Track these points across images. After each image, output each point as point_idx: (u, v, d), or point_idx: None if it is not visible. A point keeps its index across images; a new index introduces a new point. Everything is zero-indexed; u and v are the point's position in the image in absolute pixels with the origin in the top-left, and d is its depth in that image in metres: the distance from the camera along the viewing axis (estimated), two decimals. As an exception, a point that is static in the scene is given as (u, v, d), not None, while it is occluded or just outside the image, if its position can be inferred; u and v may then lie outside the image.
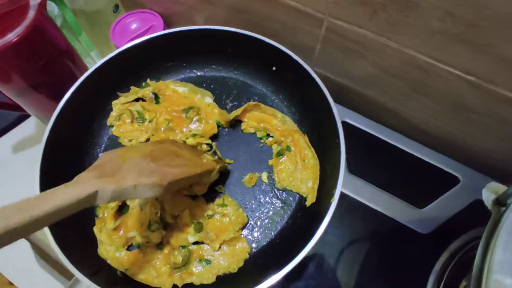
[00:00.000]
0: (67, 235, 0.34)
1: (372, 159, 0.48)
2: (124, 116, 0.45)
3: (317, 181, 0.39)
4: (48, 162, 0.37)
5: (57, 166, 0.39)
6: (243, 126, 0.45)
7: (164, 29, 0.58)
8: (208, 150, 0.43)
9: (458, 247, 0.44)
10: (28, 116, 0.62)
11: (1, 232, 0.21)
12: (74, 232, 0.36)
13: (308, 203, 0.37)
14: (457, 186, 0.47)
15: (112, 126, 0.46)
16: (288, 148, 0.42)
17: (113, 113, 0.46)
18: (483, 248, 0.28)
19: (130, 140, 0.44)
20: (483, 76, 0.38)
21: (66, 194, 0.25)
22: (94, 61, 0.65)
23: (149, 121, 0.45)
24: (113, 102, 0.46)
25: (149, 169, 0.31)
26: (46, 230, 0.33)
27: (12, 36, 0.39)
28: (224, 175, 0.42)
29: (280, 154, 0.42)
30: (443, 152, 0.49)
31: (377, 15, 0.38)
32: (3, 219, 0.22)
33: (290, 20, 0.46)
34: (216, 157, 0.42)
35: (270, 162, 0.42)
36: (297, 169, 0.40)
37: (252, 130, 0.45)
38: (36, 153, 0.58)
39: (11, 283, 0.51)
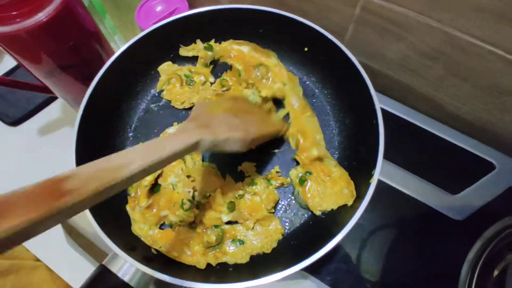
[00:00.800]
0: (103, 213, 0.34)
1: (404, 144, 0.47)
2: (173, 80, 0.45)
3: (352, 183, 0.37)
4: (81, 142, 0.37)
5: (90, 146, 0.39)
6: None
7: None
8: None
9: (492, 234, 0.43)
10: (54, 99, 0.62)
11: (139, 169, 0.23)
12: (109, 210, 0.36)
13: (350, 203, 0.35)
14: (492, 172, 0.46)
15: (162, 91, 0.46)
16: (308, 172, 0.39)
17: (162, 78, 0.46)
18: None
19: (182, 103, 0.44)
20: (528, 57, 0.36)
21: (178, 142, 0.27)
22: (117, 45, 0.65)
23: (203, 84, 0.45)
24: (159, 68, 0.46)
25: (235, 124, 0.33)
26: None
27: (42, 16, 0.39)
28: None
29: (302, 181, 0.38)
30: (477, 138, 0.48)
31: (419, -8, 0.37)
32: (139, 158, 0.23)
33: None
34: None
35: (300, 190, 0.39)
36: (325, 187, 0.37)
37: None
38: (62, 136, 0.59)
39: (37, 259, 0.52)
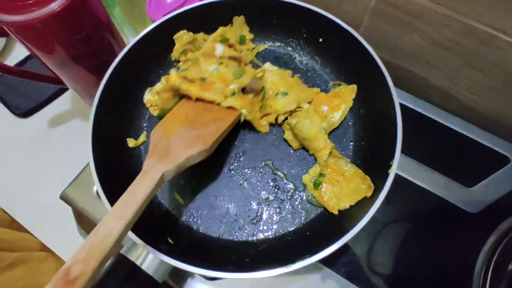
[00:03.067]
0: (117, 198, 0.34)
1: (419, 138, 0.47)
2: (189, 53, 0.44)
3: (367, 178, 0.36)
4: (97, 135, 0.37)
5: (105, 140, 0.38)
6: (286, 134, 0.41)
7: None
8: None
9: (507, 228, 0.42)
10: (64, 90, 0.62)
11: (122, 229, 0.26)
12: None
13: (369, 195, 0.35)
14: (507, 166, 0.45)
15: (178, 61, 0.46)
16: (321, 175, 0.38)
17: (177, 46, 0.46)
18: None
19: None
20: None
21: (145, 186, 0.29)
22: (126, 37, 0.64)
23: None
24: (174, 37, 0.45)
25: (191, 136, 0.35)
26: (103, 198, 0.33)
27: (55, 6, 0.39)
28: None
29: (317, 185, 0.38)
30: (492, 131, 0.47)
31: (438, -20, 0.36)
32: (118, 219, 0.26)
33: (338, -11, 0.44)
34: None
35: (315, 194, 0.38)
36: (341, 186, 0.37)
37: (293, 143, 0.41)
38: (72, 127, 0.59)
39: (45, 250, 0.52)
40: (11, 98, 0.61)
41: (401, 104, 0.49)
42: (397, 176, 0.45)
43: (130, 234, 0.31)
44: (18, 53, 0.65)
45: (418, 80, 0.49)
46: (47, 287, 0.23)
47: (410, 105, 0.49)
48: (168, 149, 0.33)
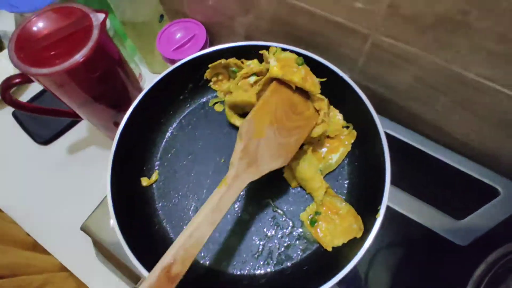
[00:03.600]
0: (135, 234, 0.38)
1: (411, 170, 0.49)
2: (221, 76, 0.49)
3: (359, 218, 0.39)
4: (115, 170, 0.41)
5: (121, 180, 0.42)
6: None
7: (207, 38, 0.60)
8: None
9: (495, 259, 0.45)
10: (81, 119, 0.67)
11: (209, 233, 0.27)
12: (141, 232, 0.40)
13: (359, 236, 0.38)
14: (497, 198, 0.48)
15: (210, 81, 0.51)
16: (317, 213, 0.41)
17: (210, 70, 0.49)
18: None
19: (226, 94, 0.49)
20: (534, 96, 0.38)
21: (233, 195, 0.29)
22: (137, 66, 0.68)
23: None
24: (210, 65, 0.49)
25: (276, 145, 0.34)
26: (118, 233, 0.37)
27: (79, 57, 0.43)
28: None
29: (313, 223, 0.40)
30: (483, 163, 0.50)
31: (427, 34, 0.39)
32: (206, 224, 0.27)
33: (334, 35, 0.47)
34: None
35: (311, 232, 0.41)
36: (335, 224, 0.40)
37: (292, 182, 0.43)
38: (88, 155, 0.64)
39: (63, 269, 0.56)
40: (32, 126, 0.66)
41: (396, 138, 0.52)
42: (389, 209, 0.48)
43: (144, 272, 0.35)
44: (34, 86, 0.70)
45: (412, 114, 0.52)
46: (150, 277, 0.24)
47: (405, 139, 0.51)
48: (256, 155, 0.31)
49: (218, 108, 0.51)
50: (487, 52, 0.37)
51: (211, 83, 0.52)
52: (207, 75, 0.50)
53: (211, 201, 0.29)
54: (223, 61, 0.49)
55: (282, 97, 0.36)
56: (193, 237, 0.26)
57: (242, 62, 0.49)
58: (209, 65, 0.49)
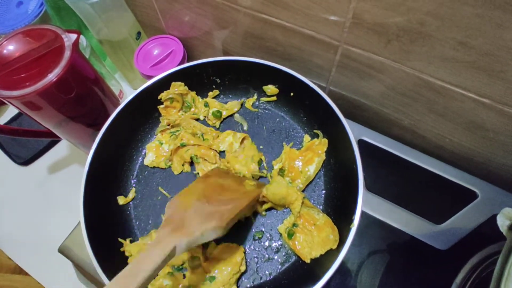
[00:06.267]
0: (112, 257, 0.37)
1: (388, 176, 0.50)
2: (175, 102, 0.49)
3: (335, 228, 0.39)
4: (89, 189, 0.41)
5: (95, 201, 0.41)
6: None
7: (184, 53, 0.61)
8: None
9: (476, 262, 0.45)
10: (60, 139, 0.67)
11: None
12: (118, 254, 0.40)
13: (335, 247, 0.38)
14: (475, 201, 0.48)
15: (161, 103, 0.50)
16: (294, 225, 0.41)
17: (168, 91, 0.48)
18: (497, 275, 0.30)
19: (169, 124, 0.49)
20: (497, 99, 0.39)
21: (154, 258, 0.28)
22: (118, 83, 0.69)
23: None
24: (173, 83, 0.49)
25: (207, 212, 0.34)
26: (92, 256, 0.36)
27: (52, 77, 0.43)
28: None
29: (291, 235, 0.40)
30: (460, 167, 0.50)
31: (392, 44, 0.40)
32: None
33: (306, 46, 0.48)
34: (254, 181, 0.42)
35: (289, 244, 0.41)
36: (313, 236, 0.40)
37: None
38: (69, 173, 0.63)
39: None
40: (11, 147, 0.66)
41: (372, 144, 0.52)
42: (368, 216, 0.48)
43: None
44: (12, 108, 0.69)
45: (387, 120, 0.52)
46: None
47: (381, 145, 0.52)
48: (183, 221, 0.32)
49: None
50: (450, 60, 0.38)
51: (161, 106, 0.49)
52: (162, 95, 0.48)
53: (126, 267, 0.27)
54: (181, 87, 0.49)
55: (209, 183, 0.39)
56: None
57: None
58: (172, 83, 0.49)
